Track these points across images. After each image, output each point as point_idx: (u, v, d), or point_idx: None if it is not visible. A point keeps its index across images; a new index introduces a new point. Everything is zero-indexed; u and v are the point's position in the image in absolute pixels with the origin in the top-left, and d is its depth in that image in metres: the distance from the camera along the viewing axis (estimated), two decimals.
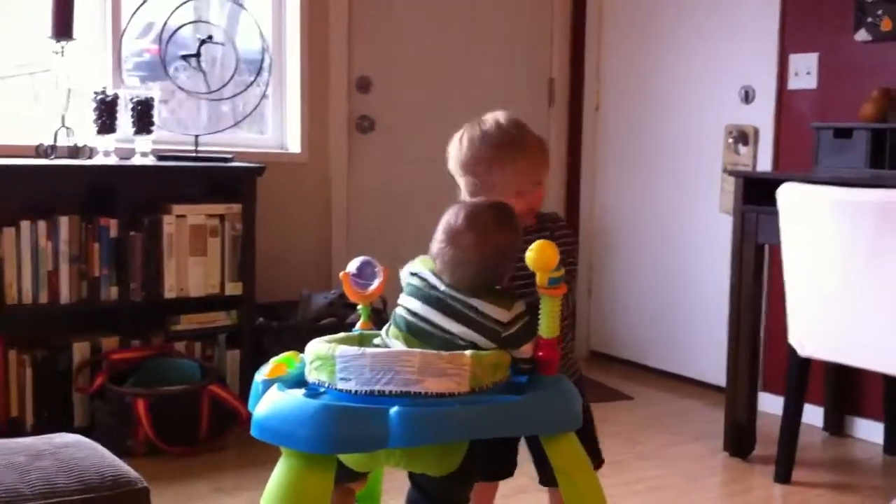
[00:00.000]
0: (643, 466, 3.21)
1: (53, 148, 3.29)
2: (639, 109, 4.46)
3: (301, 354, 1.85)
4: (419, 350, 1.74)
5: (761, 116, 3.90)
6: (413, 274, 1.90)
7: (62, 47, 3.28)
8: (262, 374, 1.83)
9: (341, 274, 2.07)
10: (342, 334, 1.99)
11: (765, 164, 3.87)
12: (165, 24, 3.54)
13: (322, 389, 1.74)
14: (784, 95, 3.82)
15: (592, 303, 4.70)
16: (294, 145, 4.02)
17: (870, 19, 3.49)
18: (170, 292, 3.34)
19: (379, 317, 2.08)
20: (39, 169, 3.19)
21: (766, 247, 3.32)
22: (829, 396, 3.60)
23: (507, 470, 2.17)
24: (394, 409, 1.64)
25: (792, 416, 3.07)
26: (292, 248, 3.95)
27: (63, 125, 3.32)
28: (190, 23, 3.67)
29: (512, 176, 2.01)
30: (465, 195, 2.05)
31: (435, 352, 1.73)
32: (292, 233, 3.97)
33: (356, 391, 1.70)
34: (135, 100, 3.39)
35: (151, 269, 3.31)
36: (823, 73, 3.68)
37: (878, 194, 2.73)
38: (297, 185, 3.99)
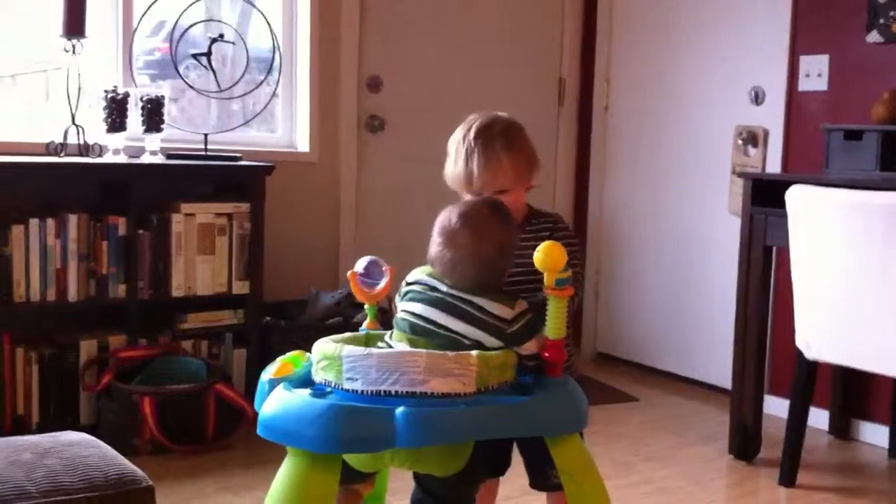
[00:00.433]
0: (649, 468, 3.21)
1: (63, 146, 3.30)
2: (648, 110, 4.46)
3: (308, 354, 1.86)
4: (425, 350, 1.74)
5: (771, 118, 3.88)
6: (410, 283, 1.91)
7: (73, 45, 3.29)
8: (268, 374, 1.83)
9: (348, 273, 2.07)
10: (349, 334, 1.99)
11: (774, 165, 3.86)
12: (177, 22, 3.55)
13: (328, 389, 1.74)
14: (794, 97, 3.81)
15: (599, 304, 4.70)
16: (303, 144, 4.03)
17: (882, 21, 3.47)
18: (177, 291, 3.34)
19: (385, 317, 2.08)
20: (49, 167, 3.20)
21: (774, 249, 3.31)
22: (836, 400, 3.59)
23: (504, 465, 2.17)
24: (400, 410, 1.64)
25: (798, 419, 3.07)
26: (300, 247, 3.96)
27: (73, 123, 3.33)
28: (201, 21, 3.68)
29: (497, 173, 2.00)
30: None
31: (441, 352, 1.73)
32: (301, 232, 3.97)
33: (362, 391, 1.70)
34: (145, 98, 3.40)
35: (159, 267, 3.31)
36: (834, 75, 3.67)
37: (888, 197, 2.72)
38: (306, 185, 3.99)
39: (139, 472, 1.57)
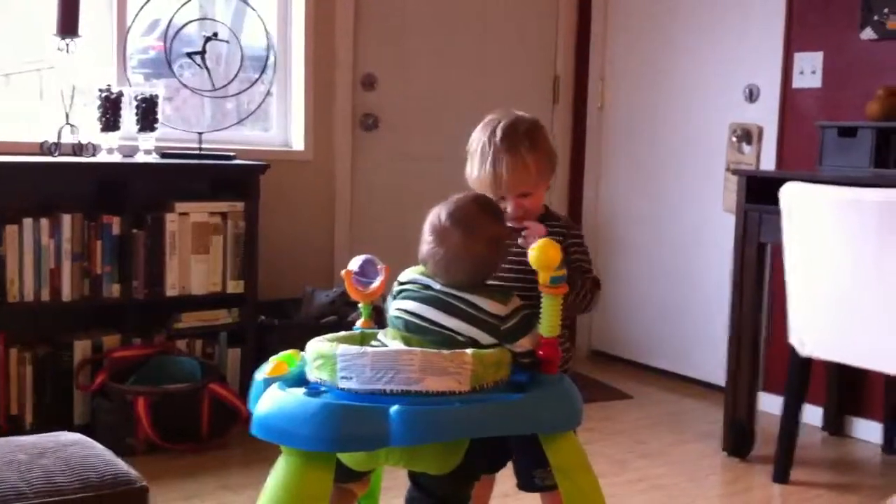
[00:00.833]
0: (644, 465, 3.21)
1: (57, 145, 3.30)
2: (643, 108, 4.46)
3: (302, 353, 1.86)
4: (420, 349, 1.74)
5: (765, 115, 3.89)
6: (403, 283, 1.91)
7: (67, 44, 3.28)
8: (262, 373, 1.83)
9: (343, 272, 2.07)
10: (343, 333, 1.99)
11: (769, 163, 3.87)
12: (171, 21, 3.54)
13: (323, 388, 1.74)
14: (788, 94, 3.81)
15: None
16: (298, 143, 4.03)
17: (876, 17, 3.48)
18: (172, 290, 3.34)
19: (380, 315, 2.08)
20: (43, 166, 3.19)
21: (769, 246, 3.31)
22: (829, 396, 3.59)
23: (502, 461, 2.17)
24: (394, 408, 1.64)
25: (791, 416, 3.07)
26: (295, 246, 3.96)
27: (67, 122, 3.32)
28: (195, 20, 3.67)
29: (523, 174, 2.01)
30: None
31: (436, 350, 1.73)
32: (295, 230, 3.97)
33: (357, 390, 1.70)
34: (139, 97, 3.40)
35: (154, 266, 3.31)
36: (828, 72, 3.67)
37: (882, 194, 2.73)
38: (300, 183, 3.99)
39: (133, 472, 1.57)
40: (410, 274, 1.93)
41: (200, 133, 3.60)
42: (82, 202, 3.27)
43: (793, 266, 2.96)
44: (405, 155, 4.30)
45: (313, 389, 1.74)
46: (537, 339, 1.85)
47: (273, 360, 1.86)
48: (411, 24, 4.31)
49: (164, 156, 3.44)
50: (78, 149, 3.33)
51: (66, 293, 3.17)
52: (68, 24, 3.27)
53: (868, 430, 3.52)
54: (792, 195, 2.92)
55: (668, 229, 4.34)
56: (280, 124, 4.05)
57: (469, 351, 1.73)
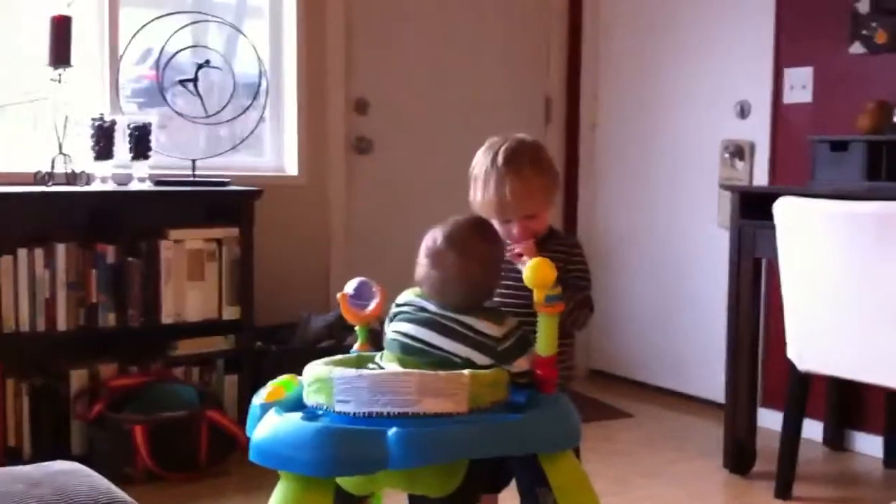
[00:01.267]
0: (644, 484, 3.20)
1: (51, 175, 3.30)
2: (635, 126, 4.47)
3: (299, 377, 1.85)
4: (418, 371, 1.74)
5: (757, 131, 3.90)
6: (400, 305, 1.91)
7: (60, 74, 3.29)
8: (260, 398, 1.82)
9: (339, 295, 2.07)
10: (340, 356, 1.98)
11: (761, 178, 3.88)
12: (163, 49, 3.55)
13: (320, 412, 1.73)
14: (780, 109, 3.83)
15: (592, 321, 4.68)
16: (292, 168, 4.03)
17: (864, 32, 3.50)
18: (167, 318, 3.33)
19: (377, 338, 2.07)
20: (37, 196, 3.19)
21: (764, 261, 3.32)
22: (830, 411, 3.59)
23: (504, 481, 2.16)
24: (392, 431, 1.63)
25: (792, 431, 3.06)
26: (291, 271, 3.95)
27: (61, 152, 3.32)
28: (188, 48, 3.68)
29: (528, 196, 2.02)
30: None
31: (433, 372, 1.72)
32: (291, 255, 3.97)
33: (355, 413, 1.69)
34: (132, 125, 3.40)
35: (149, 294, 3.30)
36: (819, 87, 3.69)
37: (875, 206, 2.73)
38: (295, 208, 3.99)
39: (129, 500, 1.56)
40: (407, 296, 1.93)
41: (194, 160, 3.60)
42: (76, 231, 3.26)
43: (789, 281, 2.97)
44: (399, 177, 4.31)
45: (311, 414, 1.74)
46: (534, 358, 1.85)
47: (270, 385, 1.85)
48: (402, 47, 4.32)
49: (157, 183, 3.44)
50: (72, 178, 3.33)
51: (62, 323, 3.17)
52: (60, 54, 3.28)
53: (869, 444, 3.51)
54: (786, 210, 2.93)
55: (664, 246, 4.34)
56: (273, 150, 4.06)
57: (466, 372, 1.73)
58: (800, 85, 3.75)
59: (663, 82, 4.32)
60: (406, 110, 4.33)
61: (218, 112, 3.70)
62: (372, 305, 2.06)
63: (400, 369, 1.79)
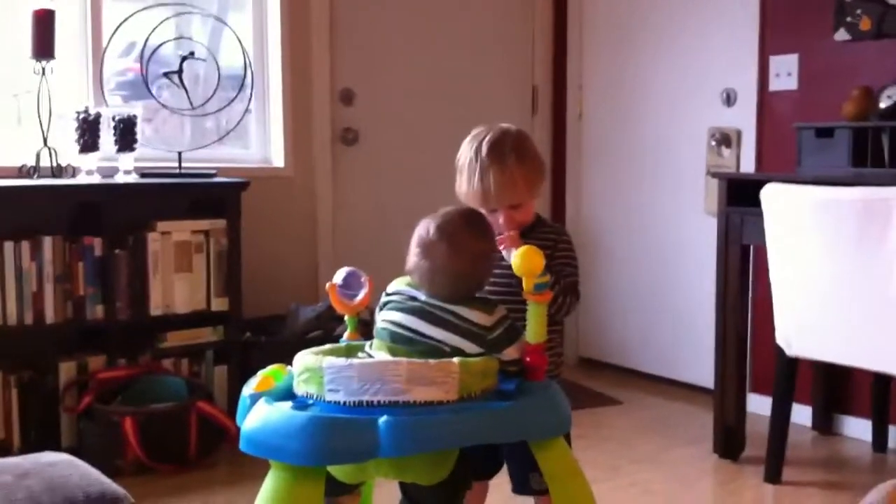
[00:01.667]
0: (635, 470, 3.21)
1: (36, 168, 3.28)
2: (622, 115, 4.48)
3: (288, 367, 1.85)
4: (406, 359, 1.74)
5: (743, 118, 3.92)
6: (390, 294, 1.91)
7: (43, 67, 3.28)
8: (249, 388, 1.82)
9: (327, 285, 2.06)
10: (329, 346, 1.98)
11: (748, 165, 3.89)
12: (147, 41, 3.53)
13: (310, 402, 1.73)
14: (765, 97, 3.84)
15: (580, 309, 4.70)
16: (278, 159, 4.02)
17: (849, 19, 3.51)
18: (156, 310, 3.32)
19: (366, 328, 2.07)
20: (22, 189, 3.17)
21: (752, 248, 3.33)
22: (818, 395, 3.61)
23: (493, 468, 2.17)
24: (382, 419, 1.63)
25: (780, 416, 3.08)
26: (279, 262, 3.95)
27: (45, 145, 3.31)
28: (172, 40, 3.66)
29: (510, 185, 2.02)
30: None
31: (422, 361, 1.72)
32: (278, 247, 3.96)
33: (345, 402, 1.69)
34: (117, 118, 3.38)
35: (137, 286, 3.29)
36: (804, 74, 3.70)
37: (860, 192, 2.75)
38: (282, 199, 3.98)
39: (120, 489, 1.56)
40: (397, 285, 1.93)
41: (180, 152, 3.59)
42: (62, 224, 3.25)
43: (776, 267, 2.98)
44: (386, 168, 4.31)
45: (301, 403, 1.73)
46: (523, 347, 1.85)
47: (260, 375, 1.85)
48: (388, 38, 4.32)
49: (143, 175, 3.43)
50: (57, 171, 3.32)
51: (50, 315, 3.15)
52: (43, 47, 3.26)
53: (857, 428, 3.53)
54: (773, 196, 2.94)
55: (651, 234, 4.35)
56: (259, 141, 4.05)
57: (455, 360, 1.73)
58: (785, 72, 3.76)
59: (649, 71, 4.33)
60: (392, 101, 4.33)
61: (203, 104, 3.69)
62: (360, 295, 2.05)
63: (390, 358, 1.79)
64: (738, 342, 3.31)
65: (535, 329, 1.84)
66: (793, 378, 3.07)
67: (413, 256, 1.89)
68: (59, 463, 1.62)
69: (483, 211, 2.03)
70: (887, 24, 3.41)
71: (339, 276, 2.08)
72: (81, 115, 3.32)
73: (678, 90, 4.20)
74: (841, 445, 3.51)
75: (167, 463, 3.10)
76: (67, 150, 3.35)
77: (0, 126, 3.55)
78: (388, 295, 1.94)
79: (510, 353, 1.85)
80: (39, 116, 3.30)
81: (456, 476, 1.87)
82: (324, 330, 3.49)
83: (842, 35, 3.54)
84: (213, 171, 3.56)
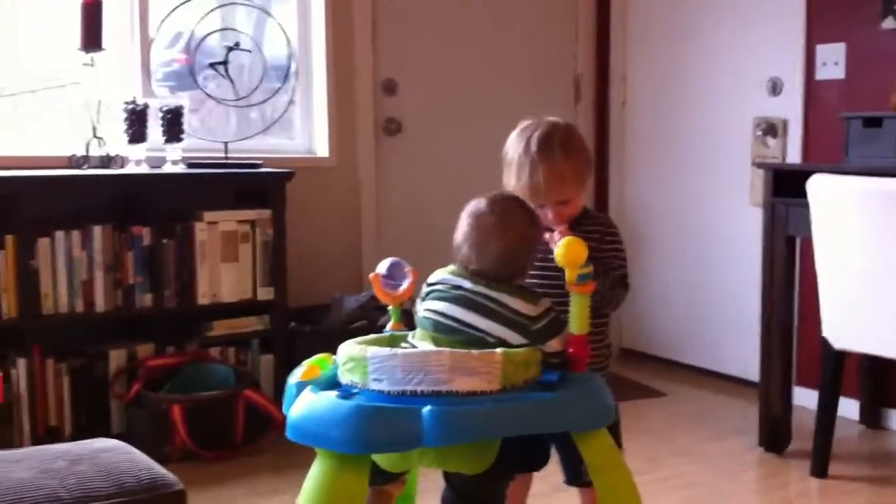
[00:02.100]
0: (678, 463, 3.20)
1: (86, 158, 3.34)
2: (666, 104, 4.45)
3: (333, 356, 1.87)
4: (449, 350, 1.74)
5: (789, 108, 3.87)
6: (432, 284, 1.92)
7: (92, 58, 3.32)
8: (295, 377, 1.84)
9: (371, 275, 2.08)
10: (373, 336, 2.00)
11: (794, 155, 3.85)
12: (193, 32, 3.57)
13: (355, 390, 1.75)
14: (812, 86, 3.79)
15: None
16: (322, 150, 4.05)
17: None
18: (203, 298, 3.37)
19: (409, 318, 2.08)
20: (72, 179, 3.23)
21: (798, 239, 3.29)
22: (865, 389, 3.56)
23: (541, 461, 2.17)
24: (426, 409, 1.64)
25: (827, 410, 3.05)
26: (323, 252, 3.98)
27: (95, 136, 3.36)
28: (217, 31, 3.70)
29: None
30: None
31: (465, 351, 1.73)
32: (322, 236, 3.99)
33: (388, 391, 1.70)
34: (164, 108, 3.43)
35: (184, 275, 3.34)
36: (851, 63, 3.65)
37: None
38: (326, 189, 4.01)
39: (170, 475, 1.59)
40: (440, 275, 1.94)
41: (226, 143, 3.63)
42: (112, 214, 3.30)
43: (823, 259, 2.94)
44: (429, 157, 4.32)
45: (345, 392, 1.75)
46: (567, 340, 1.86)
47: (305, 364, 1.87)
48: (430, 27, 4.32)
49: (190, 165, 3.48)
50: (106, 161, 3.37)
51: (100, 304, 3.21)
52: (91, 39, 3.31)
53: None
54: (819, 187, 2.91)
55: (695, 225, 4.32)
56: (304, 132, 4.08)
57: (498, 350, 1.73)
58: (832, 61, 3.71)
59: (693, 59, 4.29)
60: (435, 91, 4.33)
61: (248, 95, 3.72)
62: (404, 285, 2.07)
63: (433, 348, 1.80)
64: (783, 334, 3.28)
65: (577, 320, 1.84)
66: (839, 371, 3.03)
67: (462, 227, 1.91)
68: (110, 449, 1.66)
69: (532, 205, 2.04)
70: None
71: (382, 266, 2.09)
72: (129, 106, 3.37)
73: (723, 79, 4.16)
74: (889, 439, 3.47)
75: (214, 450, 3.14)
76: (116, 140, 3.40)
77: (50, 117, 3.61)
78: (429, 285, 1.94)
79: (554, 345, 1.85)
80: (89, 108, 3.35)
81: (499, 466, 1.88)
82: (367, 320, 3.51)
83: (890, 23, 3.48)
84: (259, 162, 3.59)
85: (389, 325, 2.08)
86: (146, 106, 3.40)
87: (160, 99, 3.51)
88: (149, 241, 3.29)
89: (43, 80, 3.54)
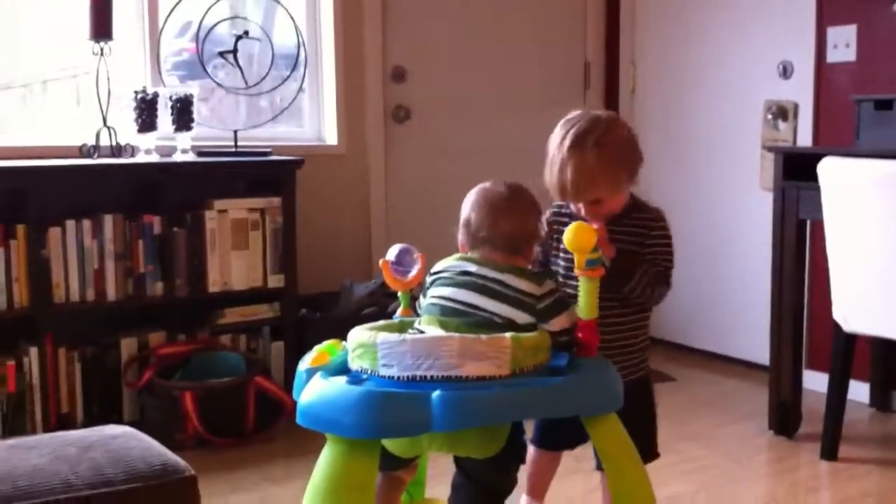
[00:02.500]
0: (689, 447, 3.20)
1: (96, 147, 3.35)
2: (675, 89, 4.43)
3: (343, 343, 1.88)
4: (459, 335, 1.75)
5: (800, 91, 3.85)
6: (437, 272, 1.93)
7: (101, 48, 3.33)
8: (305, 363, 1.85)
9: (381, 262, 2.09)
10: (383, 322, 2.01)
11: (805, 139, 3.83)
12: (202, 21, 3.58)
13: (365, 376, 1.76)
14: (823, 69, 3.77)
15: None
16: (331, 137, 4.05)
17: None
18: (213, 286, 3.38)
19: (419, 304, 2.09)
20: (83, 169, 3.24)
21: (808, 223, 3.28)
22: (875, 372, 3.56)
23: (573, 441, 2.18)
24: (435, 394, 1.65)
25: (837, 393, 3.05)
26: (332, 240, 3.99)
27: (105, 125, 3.37)
28: (226, 19, 3.70)
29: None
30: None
31: (474, 336, 1.74)
32: (332, 224, 4.00)
33: (398, 377, 1.71)
34: (174, 97, 3.44)
35: (195, 264, 3.35)
36: (862, 45, 3.63)
37: None
38: (335, 177, 4.02)
39: (181, 462, 1.60)
40: (444, 263, 1.94)
41: (236, 131, 3.63)
42: (122, 203, 3.31)
43: (834, 242, 2.94)
44: (438, 145, 4.31)
45: (355, 378, 1.76)
46: (574, 317, 1.86)
47: (315, 351, 1.88)
48: (439, 14, 4.31)
49: (200, 154, 3.48)
50: (116, 150, 3.37)
51: (111, 293, 3.22)
52: (101, 28, 3.31)
53: None
54: (831, 171, 2.89)
55: (706, 209, 4.31)
56: (313, 120, 4.08)
57: (508, 335, 1.74)
58: (843, 44, 3.69)
59: (703, 44, 4.27)
60: (444, 78, 4.33)
61: (257, 83, 3.73)
62: (414, 272, 2.08)
63: (442, 333, 1.81)
64: (794, 318, 3.28)
65: (587, 305, 1.85)
66: (850, 355, 3.03)
67: (470, 201, 1.94)
68: (121, 436, 1.67)
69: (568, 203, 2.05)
70: None
71: (391, 252, 2.10)
72: (139, 95, 3.37)
73: (733, 63, 4.14)
74: None
75: (225, 437, 3.16)
76: (126, 129, 3.41)
77: (60, 107, 3.62)
78: (433, 274, 1.95)
79: (559, 322, 1.85)
80: (98, 97, 3.36)
81: (509, 450, 1.89)
82: (377, 306, 3.52)
83: None
84: (269, 150, 3.60)
85: (399, 312, 2.09)
86: (156, 95, 3.40)
87: (170, 88, 3.51)
88: (159, 229, 3.30)
89: (53, 70, 3.55)
